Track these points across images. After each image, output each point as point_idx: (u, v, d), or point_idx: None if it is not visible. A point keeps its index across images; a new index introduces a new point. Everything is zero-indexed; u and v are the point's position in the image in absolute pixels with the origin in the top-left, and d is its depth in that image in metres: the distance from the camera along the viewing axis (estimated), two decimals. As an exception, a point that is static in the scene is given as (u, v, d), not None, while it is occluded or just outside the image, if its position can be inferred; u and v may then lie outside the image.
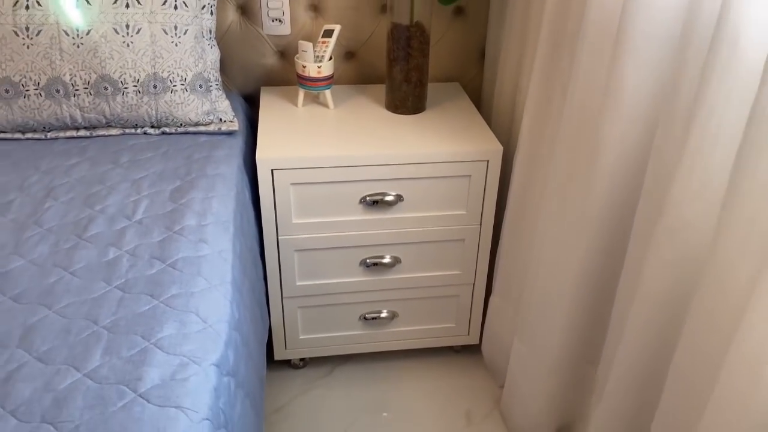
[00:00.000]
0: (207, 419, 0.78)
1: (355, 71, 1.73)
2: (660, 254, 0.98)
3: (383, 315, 1.61)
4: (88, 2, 1.34)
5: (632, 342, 1.08)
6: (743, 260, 0.79)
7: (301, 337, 1.61)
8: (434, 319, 1.65)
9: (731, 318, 0.83)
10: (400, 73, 1.52)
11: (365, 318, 1.61)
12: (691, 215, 0.91)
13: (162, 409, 0.77)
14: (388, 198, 1.44)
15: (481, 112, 1.77)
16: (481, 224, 1.52)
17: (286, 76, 1.71)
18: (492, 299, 1.63)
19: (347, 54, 1.71)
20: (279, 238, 1.46)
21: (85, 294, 0.95)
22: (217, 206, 1.17)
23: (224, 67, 1.66)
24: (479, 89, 1.79)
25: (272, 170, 1.38)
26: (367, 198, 1.44)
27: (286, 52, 1.68)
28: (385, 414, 1.55)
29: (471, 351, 1.75)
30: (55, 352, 0.84)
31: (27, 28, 1.33)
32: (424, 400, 1.60)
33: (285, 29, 1.66)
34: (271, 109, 1.58)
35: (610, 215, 1.15)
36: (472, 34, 1.71)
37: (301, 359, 1.69)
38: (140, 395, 0.78)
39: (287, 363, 1.69)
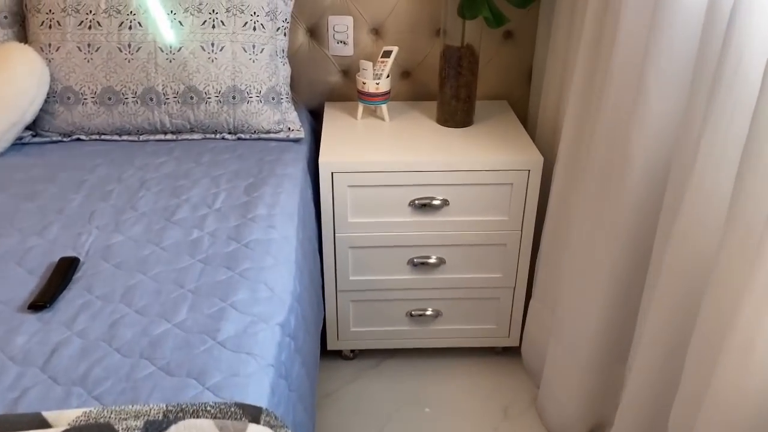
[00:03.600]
0: (271, 366, 0.93)
1: (410, 89, 1.89)
2: (675, 255, 1.08)
3: (428, 313, 1.74)
4: (180, 23, 1.55)
5: (650, 342, 1.17)
6: (742, 260, 0.89)
7: (353, 329, 1.76)
8: (476, 320, 1.77)
9: (730, 313, 0.92)
10: (450, 89, 1.67)
11: (411, 315, 1.74)
12: (699, 219, 1.01)
13: (236, 354, 0.92)
14: (436, 202, 1.58)
15: (527, 128, 1.89)
16: (522, 230, 1.63)
17: (348, 93, 1.89)
18: (532, 303, 1.73)
19: (403, 73, 1.87)
20: (336, 235, 1.61)
21: (173, 264, 1.12)
22: (285, 200, 1.34)
23: (293, 83, 1.85)
24: (526, 107, 1.91)
25: (332, 173, 1.54)
26: (416, 201, 1.58)
27: (349, 71, 1.86)
28: (427, 410, 1.66)
29: (511, 353, 1.85)
30: (149, 307, 1.02)
31: (129, 45, 1.55)
32: (464, 396, 1.71)
33: (348, 50, 1.83)
34: (333, 120, 1.75)
35: (637, 222, 1.25)
36: (520, 55, 1.85)
37: (352, 351, 1.82)
38: (218, 342, 0.94)
39: (338, 354, 1.83)
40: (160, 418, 0.77)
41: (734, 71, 0.90)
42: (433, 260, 1.66)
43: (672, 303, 1.12)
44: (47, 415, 0.78)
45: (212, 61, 1.56)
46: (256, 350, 0.93)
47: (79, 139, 1.60)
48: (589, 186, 1.36)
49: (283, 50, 1.64)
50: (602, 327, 1.40)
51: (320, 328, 1.56)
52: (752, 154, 0.85)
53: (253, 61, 1.58)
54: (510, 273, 1.69)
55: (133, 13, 1.54)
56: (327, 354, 1.82)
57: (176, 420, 0.77)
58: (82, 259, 1.13)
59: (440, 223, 1.62)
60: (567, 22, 1.57)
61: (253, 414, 0.80)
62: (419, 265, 1.67)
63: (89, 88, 1.55)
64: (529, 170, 1.56)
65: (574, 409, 1.53)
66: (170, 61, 1.55)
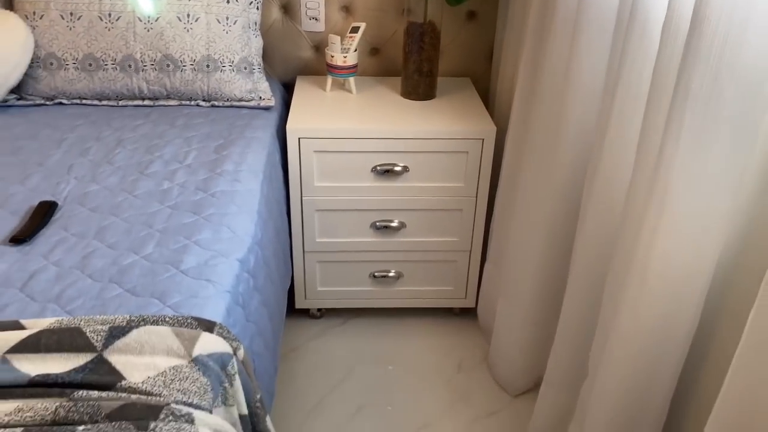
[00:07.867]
0: (228, 292, 1.04)
1: (378, 65, 1.99)
2: (595, 202, 1.20)
3: (391, 274, 1.85)
4: (158, -5, 1.65)
5: (574, 291, 1.29)
6: (643, 202, 1.01)
7: (319, 288, 1.87)
8: (435, 282, 1.88)
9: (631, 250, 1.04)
10: (413, 64, 1.78)
11: (375, 276, 1.85)
12: (615, 165, 1.13)
13: (196, 281, 1.03)
14: (397, 168, 1.69)
15: (487, 104, 2.01)
16: (477, 196, 1.75)
17: (319, 68, 1.99)
18: (486, 266, 1.85)
19: (372, 50, 1.98)
20: (303, 198, 1.72)
21: (144, 209, 1.23)
22: (251, 158, 1.45)
23: (267, 57, 1.96)
24: (488, 84, 2.03)
25: (299, 138, 1.65)
26: (379, 167, 1.69)
27: (321, 47, 1.97)
28: (390, 367, 1.78)
29: (469, 315, 1.97)
30: (120, 243, 1.12)
31: (109, 15, 1.64)
32: (422, 353, 1.83)
33: (320, 26, 1.94)
34: (303, 92, 1.85)
35: (571, 181, 1.37)
36: (482, 35, 1.96)
37: (319, 310, 1.94)
38: (181, 271, 1.05)
39: (306, 312, 1.94)
40: (124, 324, 0.88)
41: (641, 30, 1.01)
42: (394, 224, 1.77)
43: (591, 252, 1.24)
44: (24, 321, 0.89)
45: (188, 31, 1.66)
46: (214, 278, 1.04)
47: (61, 103, 1.70)
48: (534, 151, 1.48)
49: (255, 23, 1.75)
50: (539, 283, 1.52)
51: (287, 285, 1.67)
52: (653, 107, 0.97)
53: (227, 32, 1.68)
54: (466, 237, 1.81)
55: (113, -16, 1.64)
56: (295, 313, 1.93)
57: (138, 326, 0.87)
58: (60, 203, 1.23)
59: (401, 189, 1.73)
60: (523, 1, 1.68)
61: (207, 326, 0.91)
62: (382, 228, 1.78)
63: (71, 54, 1.65)
64: (483, 139, 1.67)
65: (520, 362, 1.65)
66: (148, 31, 1.65)
